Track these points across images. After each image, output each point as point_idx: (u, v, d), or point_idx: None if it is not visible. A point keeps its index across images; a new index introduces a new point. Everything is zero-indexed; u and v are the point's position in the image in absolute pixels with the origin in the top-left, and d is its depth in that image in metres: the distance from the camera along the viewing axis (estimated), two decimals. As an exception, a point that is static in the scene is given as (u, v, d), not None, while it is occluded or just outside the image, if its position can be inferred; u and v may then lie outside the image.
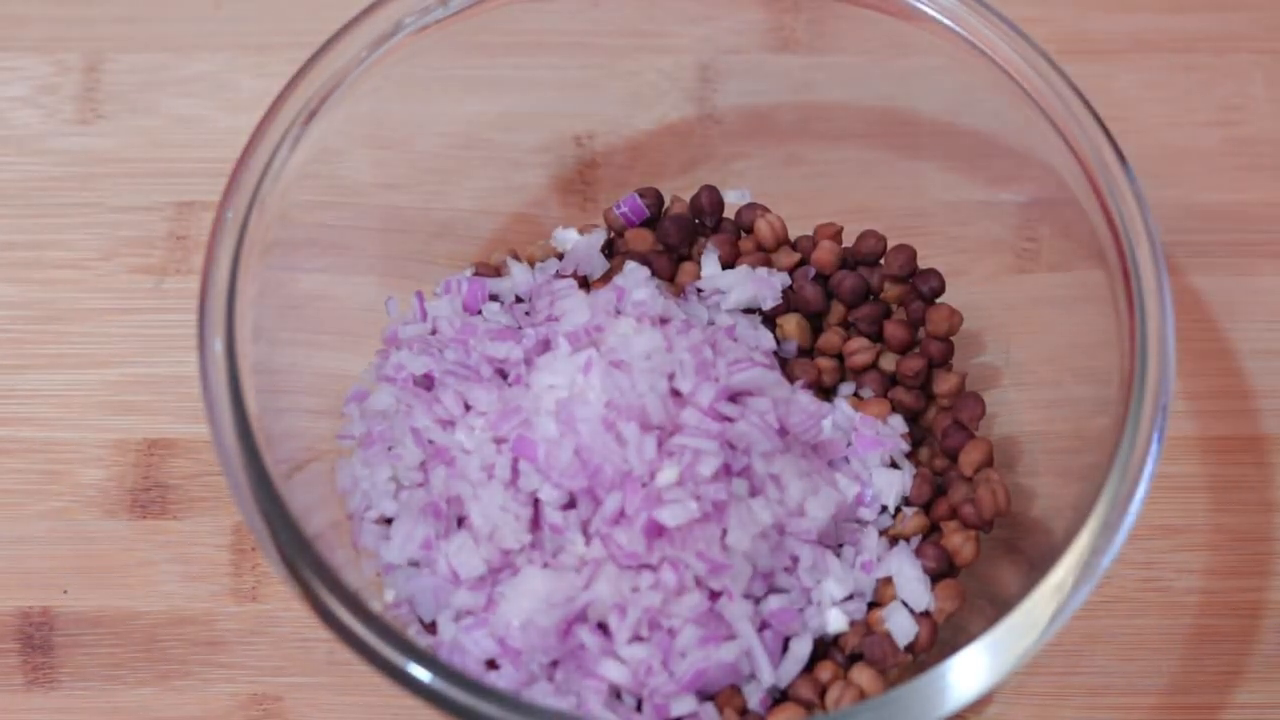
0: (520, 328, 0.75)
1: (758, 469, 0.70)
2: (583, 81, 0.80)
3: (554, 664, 0.69)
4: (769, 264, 0.78)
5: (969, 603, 0.72)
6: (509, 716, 0.62)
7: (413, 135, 0.78)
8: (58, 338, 0.80)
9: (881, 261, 0.78)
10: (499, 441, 0.70)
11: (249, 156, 0.70)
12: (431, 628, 0.71)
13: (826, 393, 0.78)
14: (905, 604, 0.72)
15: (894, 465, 0.75)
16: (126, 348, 0.80)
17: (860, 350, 0.77)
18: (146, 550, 0.77)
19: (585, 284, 0.78)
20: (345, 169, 0.74)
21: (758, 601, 0.71)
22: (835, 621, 0.71)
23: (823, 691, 0.70)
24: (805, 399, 0.74)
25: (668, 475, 0.68)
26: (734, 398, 0.71)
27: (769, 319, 0.78)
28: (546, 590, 0.68)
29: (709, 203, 0.79)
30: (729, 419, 0.70)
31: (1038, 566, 0.66)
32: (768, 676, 0.70)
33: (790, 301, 0.78)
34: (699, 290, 0.77)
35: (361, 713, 0.74)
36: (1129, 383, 0.66)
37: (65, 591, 0.76)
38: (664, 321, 0.73)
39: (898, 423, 0.76)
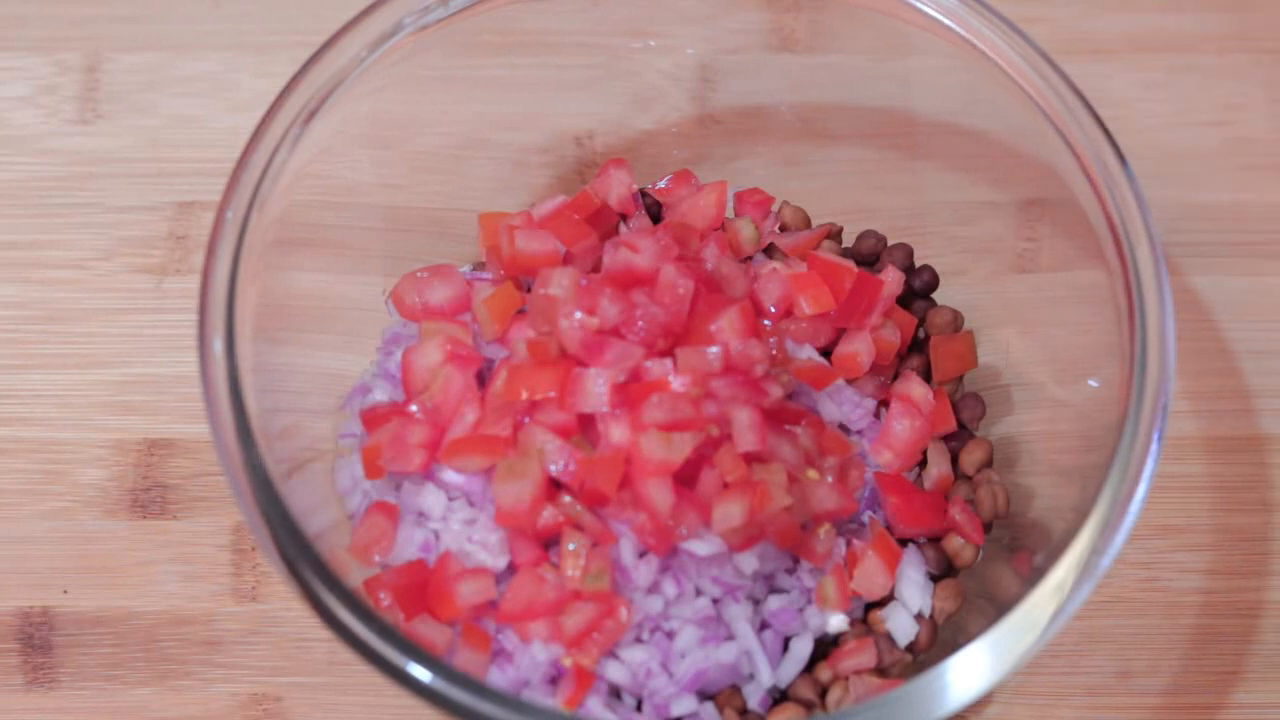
0: None
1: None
2: (583, 81, 0.80)
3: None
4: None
5: (969, 603, 0.72)
6: (509, 716, 0.62)
7: (413, 135, 0.78)
8: (58, 338, 0.80)
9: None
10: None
11: (249, 156, 0.70)
12: (431, 627, 0.71)
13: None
14: (905, 604, 0.72)
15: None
16: (126, 348, 0.80)
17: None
18: (146, 550, 0.77)
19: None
20: (345, 169, 0.74)
21: (758, 602, 0.71)
22: (835, 621, 0.71)
23: (823, 691, 0.70)
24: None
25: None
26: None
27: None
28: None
29: (710, 203, 0.79)
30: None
31: (1038, 566, 0.66)
32: (767, 677, 0.70)
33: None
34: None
35: (361, 713, 0.74)
36: (1129, 383, 0.66)
37: (65, 591, 0.76)
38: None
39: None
